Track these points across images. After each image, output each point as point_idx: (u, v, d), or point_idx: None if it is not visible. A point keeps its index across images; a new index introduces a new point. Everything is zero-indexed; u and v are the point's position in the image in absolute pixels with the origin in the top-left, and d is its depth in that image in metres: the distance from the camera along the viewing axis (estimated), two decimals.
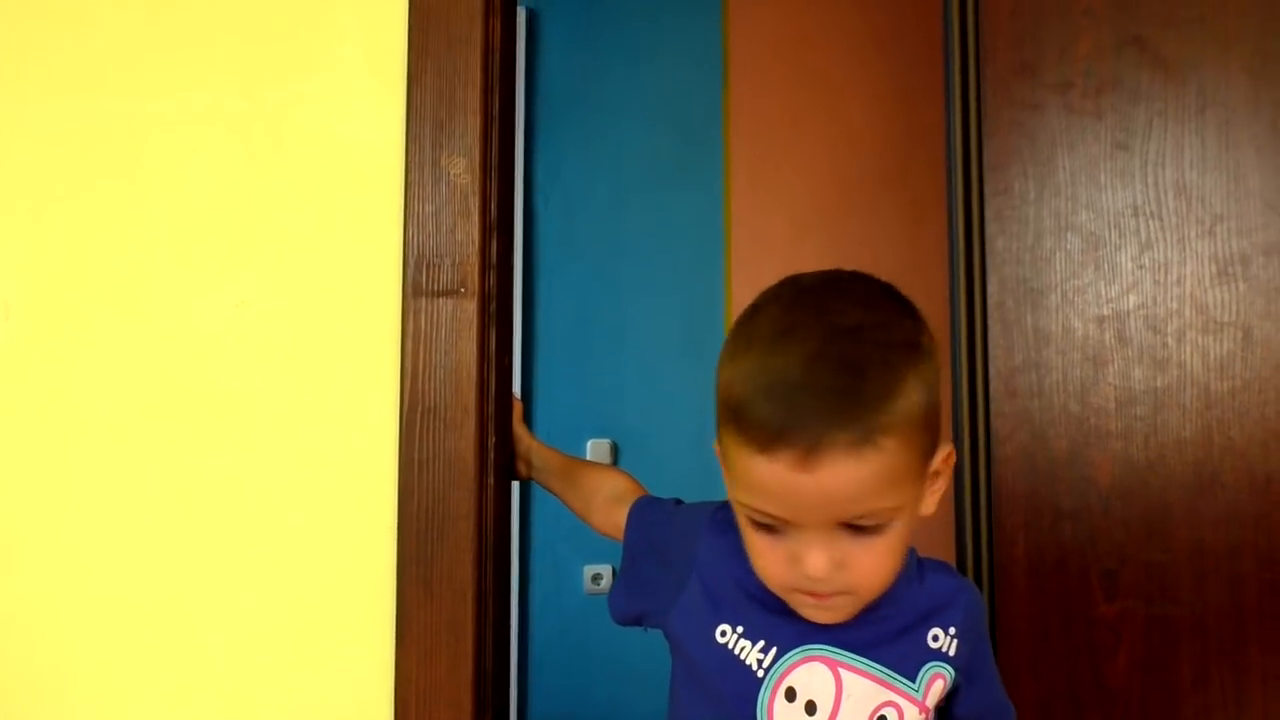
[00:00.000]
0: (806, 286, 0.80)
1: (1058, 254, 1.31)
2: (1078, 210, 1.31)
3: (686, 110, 2.51)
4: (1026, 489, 1.29)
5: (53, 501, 1.05)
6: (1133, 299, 1.29)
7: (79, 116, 1.08)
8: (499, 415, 1.06)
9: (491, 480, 1.03)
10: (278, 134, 1.06)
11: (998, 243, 1.33)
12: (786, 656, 0.81)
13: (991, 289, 1.32)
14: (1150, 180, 1.30)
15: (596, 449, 2.42)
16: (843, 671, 0.81)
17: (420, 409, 1.01)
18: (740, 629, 0.83)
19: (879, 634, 0.82)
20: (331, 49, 1.06)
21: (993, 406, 1.31)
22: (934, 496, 0.81)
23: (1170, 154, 1.29)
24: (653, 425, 2.39)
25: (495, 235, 1.06)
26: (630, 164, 2.50)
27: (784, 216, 2.43)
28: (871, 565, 0.76)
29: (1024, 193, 1.33)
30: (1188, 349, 1.27)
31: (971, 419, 1.41)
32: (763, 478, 0.73)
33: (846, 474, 0.71)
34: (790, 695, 0.80)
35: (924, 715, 0.82)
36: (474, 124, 1.04)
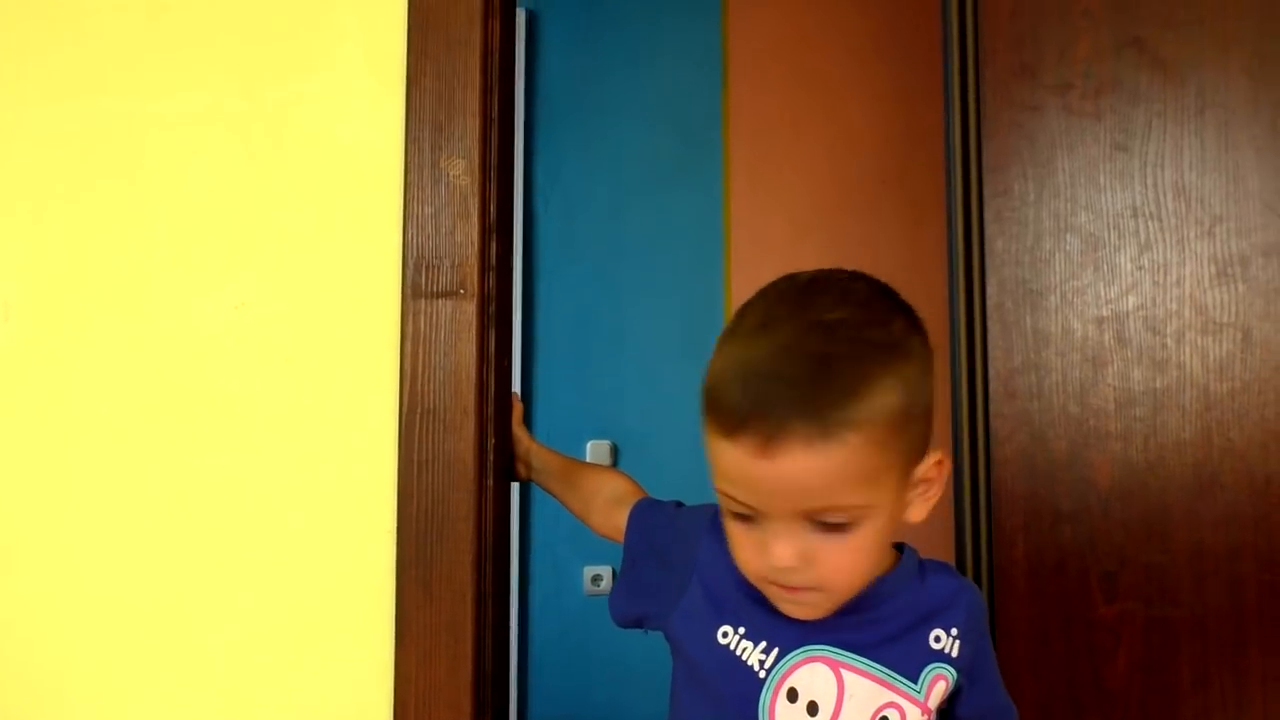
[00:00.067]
0: (799, 282, 0.81)
1: (1057, 255, 1.31)
2: (1077, 211, 1.31)
3: (686, 111, 2.51)
4: (1026, 490, 1.29)
5: (52, 502, 1.05)
6: (1132, 300, 1.29)
7: (79, 117, 1.08)
8: (498, 417, 1.06)
9: (491, 481, 1.03)
10: (277, 135, 1.06)
11: (997, 244, 1.33)
12: (788, 657, 0.81)
13: (991, 290, 1.32)
14: (1149, 181, 1.30)
15: (596, 450, 2.42)
16: (844, 672, 0.81)
17: (420, 410, 1.01)
18: (742, 630, 0.83)
19: (881, 635, 0.82)
20: (331, 50, 1.06)
21: (992, 408, 1.31)
22: (924, 504, 0.80)
23: (1169, 155, 1.29)
24: (652, 427, 2.39)
25: (495, 237, 1.06)
26: (630, 165, 2.50)
27: (784, 218, 2.43)
28: (838, 563, 0.76)
29: (1023, 194, 1.33)
30: (1187, 350, 1.27)
31: (971, 420, 1.41)
32: (729, 463, 0.75)
33: (804, 464, 0.72)
34: (792, 696, 0.80)
35: (926, 717, 0.82)
36: (473, 125, 1.04)
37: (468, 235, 1.03)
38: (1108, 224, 1.30)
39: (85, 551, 1.04)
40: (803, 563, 0.76)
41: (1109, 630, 1.26)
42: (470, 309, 1.02)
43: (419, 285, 1.03)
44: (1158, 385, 1.27)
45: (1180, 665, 1.25)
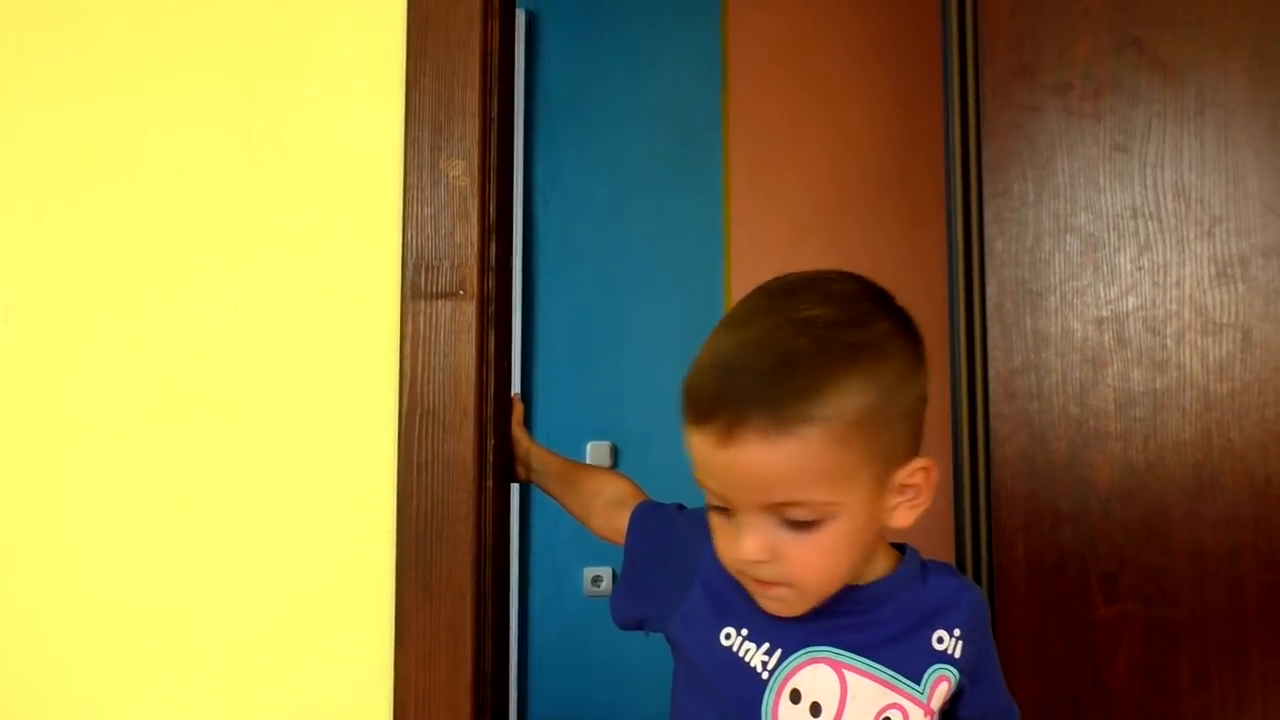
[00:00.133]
0: (789, 281, 0.82)
1: (1057, 256, 1.31)
2: (1077, 212, 1.31)
3: (686, 113, 2.51)
4: (1026, 491, 1.29)
5: (52, 503, 1.05)
6: (1132, 300, 1.29)
7: (79, 118, 1.08)
8: (498, 418, 1.06)
9: (490, 482, 1.03)
10: (277, 136, 1.06)
11: (997, 244, 1.33)
12: (791, 658, 0.81)
13: (990, 291, 1.32)
14: (1149, 182, 1.30)
15: (596, 451, 2.42)
16: (847, 673, 0.81)
17: (419, 411, 1.01)
18: (745, 632, 0.83)
19: (883, 636, 0.82)
20: (330, 51, 1.06)
21: (992, 408, 1.31)
22: (911, 510, 0.80)
23: (1169, 156, 1.29)
24: (652, 427, 2.39)
25: (494, 238, 1.06)
26: (630, 166, 2.51)
27: (783, 219, 2.43)
28: (805, 560, 0.77)
29: (1023, 195, 1.33)
30: (1187, 351, 1.27)
31: (971, 421, 1.41)
32: (698, 453, 0.77)
33: (761, 457, 0.73)
34: (795, 697, 0.80)
35: (929, 718, 0.82)
36: (473, 126, 1.04)
37: (467, 236, 1.03)
38: (1107, 224, 1.30)
39: (85, 552, 1.04)
40: (771, 557, 0.76)
41: (1109, 631, 1.26)
42: (470, 310, 1.02)
43: (418, 286, 1.03)
44: (1158, 386, 1.27)
45: (1180, 666, 1.24)
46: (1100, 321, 1.29)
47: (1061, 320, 1.30)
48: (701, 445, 0.76)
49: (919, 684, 0.82)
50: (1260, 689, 1.23)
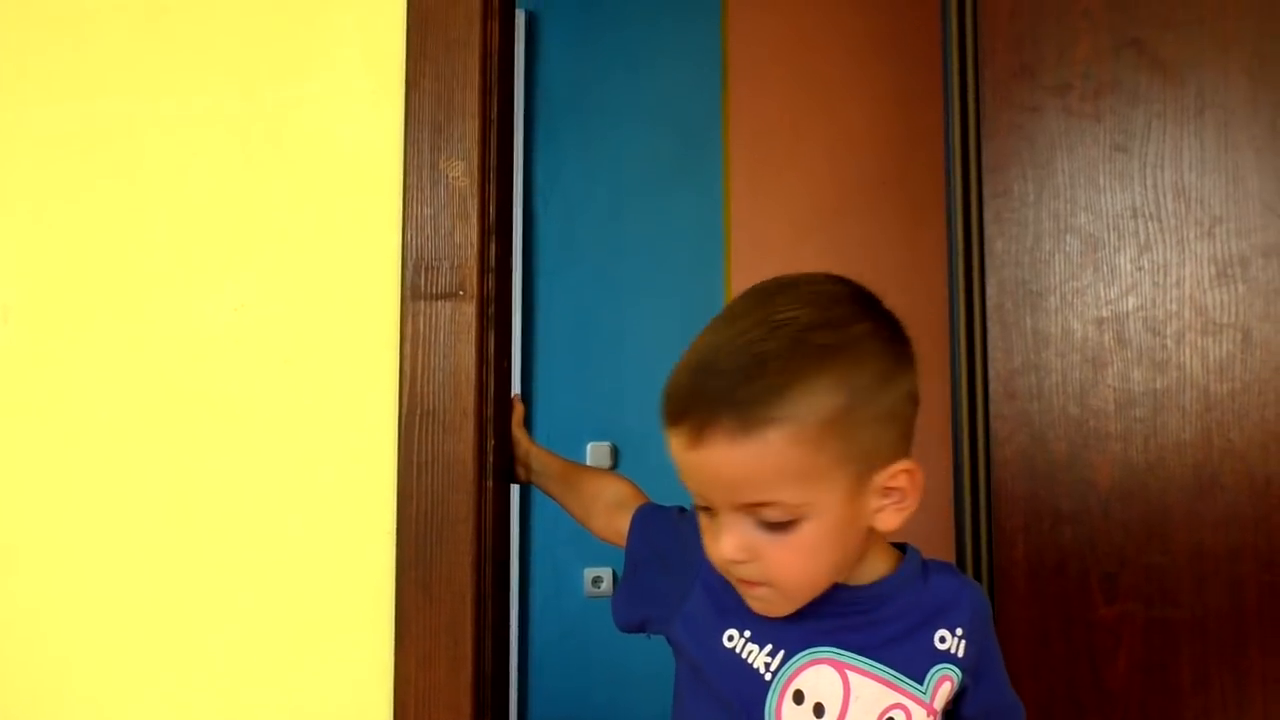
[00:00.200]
0: (771, 283, 0.82)
1: (1057, 256, 1.31)
2: (1077, 212, 1.31)
3: (686, 113, 2.51)
4: (1026, 491, 1.29)
5: (52, 504, 1.05)
6: (1132, 301, 1.29)
7: (78, 119, 1.08)
8: (498, 418, 1.06)
9: (490, 483, 1.03)
10: (277, 137, 1.06)
11: (997, 245, 1.33)
12: (794, 659, 0.81)
13: (990, 291, 1.32)
14: (1149, 182, 1.30)
15: (596, 452, 2.42)
16: (850, 674, 0.81)
17: (419, 412, 1.01)
18: (748, 633, 0.83)
19: (885, 636, 0.82)
20: (330, 52, 1.06)
21: (992, 409, 1.31)
22: (897, 513, 0.80)
23: (1169, 156, 1.29)
24: (653, 428, 2.35)
25: (494, 238, 1.06)
26: (630, 167, 2.50)
27: (784, 219, 2.43)
28: (781, 561, 0.77)
29: (1023, 195, 1.33)
30: (1187, 351, 1.27)
31: (971, 421, 1.41)
32: (674, 453, 0.79)
33: (728, 457, 0.74)
34: (798, 698, 0.80)
35: (932, 718, 0.82)
36: (472, 127, 1.04)
37: (467, 237, 1.03)
38: (1107, 225, 1.30)
39: (85, 552, 1.04)
40: (749, 556, 0.77)
41: (1109, 631, 1.26)
42: (470, 310, 1.02)
43: (418, 287, 1.03)
44: (1158, 386, 1.27)
45: (1181, 666, 1.24)
46: (1100, 322, 1.29)
47: (1061, 320, 1.30)
48: (676, 446, 0.78)
49: (922, 684, 0.82)
50: (1260, 689, 1.23)
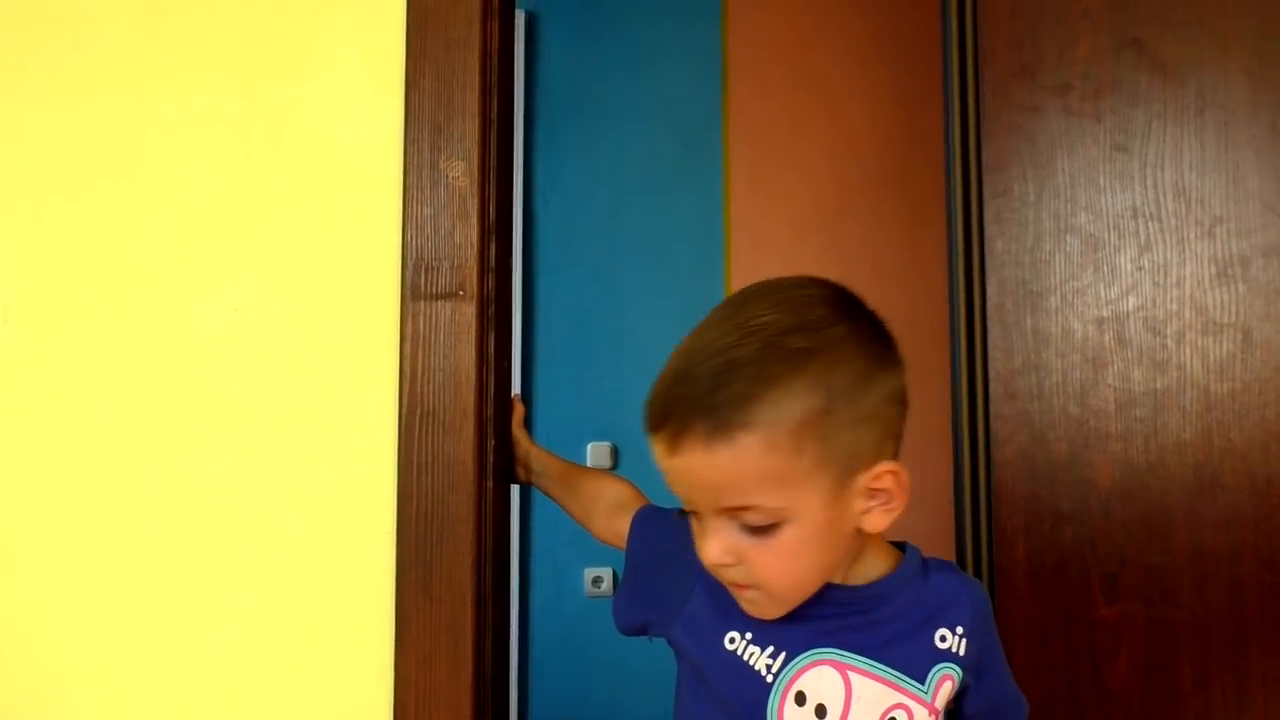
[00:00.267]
0: (749, 289, 0.83)
1: (1057, 256, 1.31)
2: (1077, 212, 1.31)
3: (686, 113, 2.51)
4: (1026, 491, 1.29)
5: (52, 504, 1.05)
6: (1132, 301, 1.29)
7: (79, 118, 1.08)
8: (498, 418, 1.05)
9: (491, 483, 1.03)
10: (276, 137, 1.06)
11: (997, 245, 1.33)
12: (795, 661, 0.81)
13: (991, 291, 1.32)
14: (1149, 182, 1.30)
15: (596, 452, 2.42)
16: (852, 674, 0.81)
17: (419, 412, 1.01)
18: (749, 635, 0.83)
19: (886, 636, 0.83)
20: (330, 52, 1.06)
21: (992, 409, 1.31)
22: (885, 515, 0.80)
23: (1169, 156, 1.29)
24: None
25: (494, 238, 1.06)
26: (630, 167, 2.50)
27: (784, 219, 2.43)
28: (766, 564, 0.78)
29: (1023, 195, 1.33)
30: (1187, 351, 1.27)
31: (971, 421, 1.41)
32: (657, 458, 0.79)
33: (703, 462, 0.75)
34: (800, 699, 0.80)
35: (933, 717, 0.82)
36: (472, 127, 1.03)
37: (467, 237, 1.03)
38: (1108, 225, 1.30)
39: (85, 552, 1.04)
40: (735, 560, 0.78)
41: (1110, 631, 1.26)
42: (470, 310, 1.02)
43: (418, 287, 1.03)
44: (1158, 386, 1.27)
45: (1181, 666, 1.24)
46: (1101, 322, 1.29)
47: (1062, 320, 1.30)
48: (658, 453, 0.79)
49: (923, 684, 0.82)
50: (1261, 689, 1.23)
